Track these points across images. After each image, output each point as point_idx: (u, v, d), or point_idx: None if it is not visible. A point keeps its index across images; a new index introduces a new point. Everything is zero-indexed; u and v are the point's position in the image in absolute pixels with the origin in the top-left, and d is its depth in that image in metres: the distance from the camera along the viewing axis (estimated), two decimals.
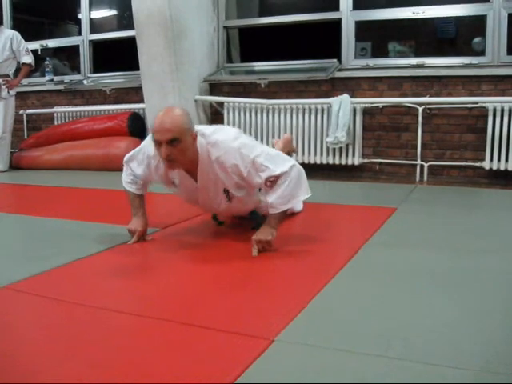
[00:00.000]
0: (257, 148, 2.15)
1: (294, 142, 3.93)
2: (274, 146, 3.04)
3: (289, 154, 2.88)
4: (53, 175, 4.73)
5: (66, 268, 1.97)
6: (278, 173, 2.07)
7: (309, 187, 2.19)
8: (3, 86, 4.91)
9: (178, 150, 2.00)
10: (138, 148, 2.36)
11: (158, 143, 2.02)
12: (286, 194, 2.10)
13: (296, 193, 2.12)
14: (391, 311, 1.53)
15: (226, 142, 2.12)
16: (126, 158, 2.40)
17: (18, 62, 5.05)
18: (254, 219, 2.49)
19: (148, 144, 2.24)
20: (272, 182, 2.09)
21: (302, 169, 2.17)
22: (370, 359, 1.23)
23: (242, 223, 2.61)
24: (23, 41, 4.99)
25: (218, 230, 2.57)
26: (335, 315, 1.51)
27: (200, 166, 2.14)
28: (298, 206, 2.79)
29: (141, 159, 2.31)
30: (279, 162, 2.11)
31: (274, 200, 2.10)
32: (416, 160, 4.16)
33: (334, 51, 4.57)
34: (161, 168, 2.22)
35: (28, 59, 4.99)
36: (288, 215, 2.69)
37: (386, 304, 1.59)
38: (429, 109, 4.11)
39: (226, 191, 2.23)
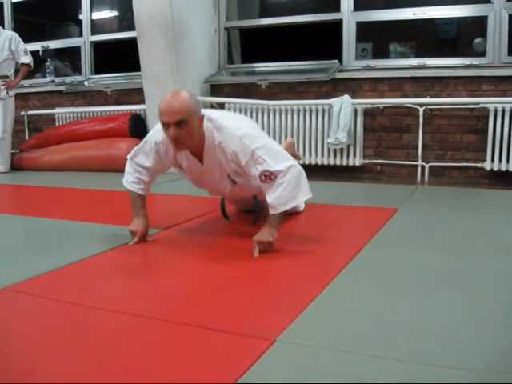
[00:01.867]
0: (260, 140, 2.16)
1: (295, 143, 3.92)
2: None
3: None
4: (54, 176, 4.73)
5: (67, 269, 1.97)
6: (273, 169, 2.08)
7: (309, 188, 2.19)
8: (2, 87, 4.91)
9: (186, 131, 2.05)
10: (141, 142, 2.38)
11: (165, 125, 2.05)
12: (285, 194, 2.10)
13: (295, 194, 2.13)
14: (392, 312, 1.53)
15: (230, 129, 2.16)
16: (129, 154, 2.42)
17: (17, 63, 5.05)
18: (257, 206, 2.54)
19: (154, 133, 2.30)
20: (266, 176, 2.10)
21: (302, 170, 2.17)
22: (371, 360, 1.23)
23: (247, 217, 2.65)
24: (22, 41, 4.99)
25: (218, 231, 2.57)
26: (336, 316, 1.51)
27: (206, 149, 2.19)
28: (300, 206, 2.79)
29: (148, 149, 2.33)
30: (278, 159, 2.11)
31: (273, 200, 2.11)
32: (417, 161, 4.16)
33: (335, 52, 4.57)
34: (170, 151, 2.26)
35: (26, 59, 4.98)
36: (289, 215, 2.69)
37: (387, 305, 1.59)
38: (430, 109, 4.11)
39: (229, 176, 2.27)
